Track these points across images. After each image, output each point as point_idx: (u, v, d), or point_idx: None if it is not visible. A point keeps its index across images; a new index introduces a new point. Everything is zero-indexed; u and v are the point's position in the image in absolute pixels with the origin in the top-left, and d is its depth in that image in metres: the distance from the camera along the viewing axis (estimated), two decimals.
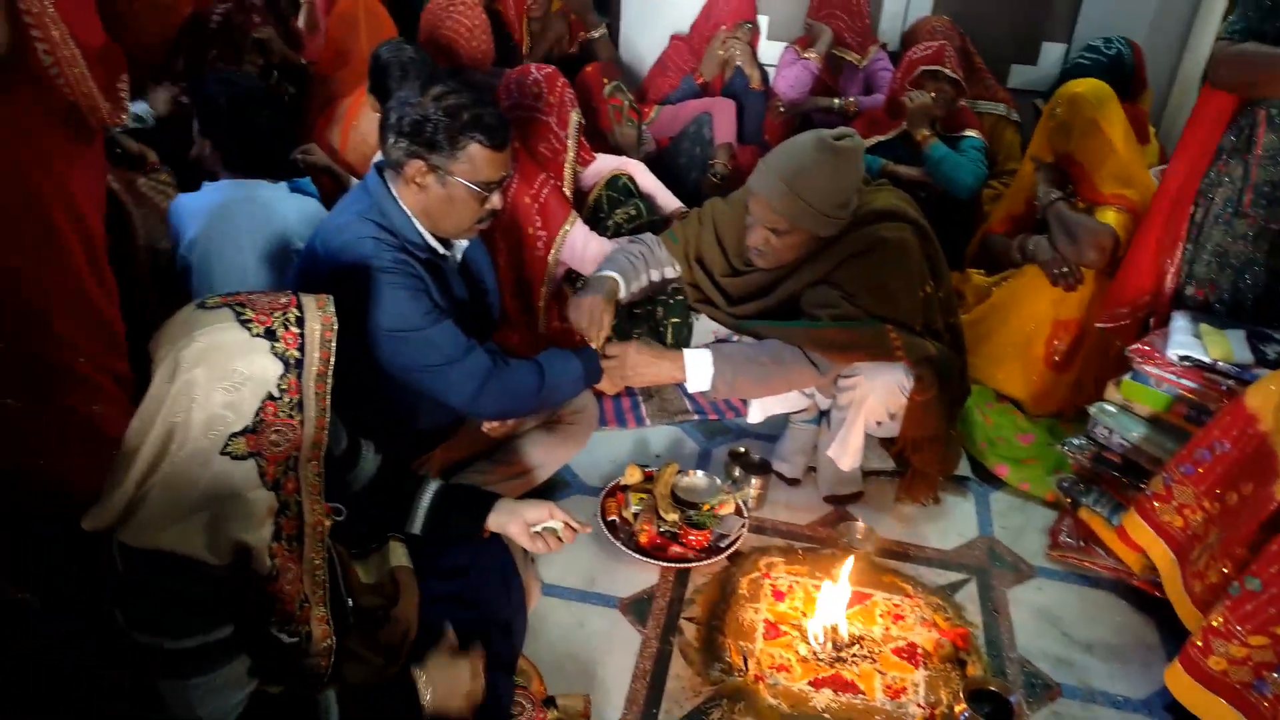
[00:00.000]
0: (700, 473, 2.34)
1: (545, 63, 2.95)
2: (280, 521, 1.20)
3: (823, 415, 2.48)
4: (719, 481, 2.31)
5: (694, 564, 2.11)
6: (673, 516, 2.16)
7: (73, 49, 1.52)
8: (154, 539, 1.12)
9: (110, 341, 1.72)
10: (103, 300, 1.71)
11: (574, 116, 2.61)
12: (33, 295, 1.57)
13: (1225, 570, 1.68)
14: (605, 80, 3.40)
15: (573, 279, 2.77)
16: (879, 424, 2.21)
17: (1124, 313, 2.32)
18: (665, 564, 2.10)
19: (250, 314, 1.15)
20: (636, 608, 2.04)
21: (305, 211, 2.28)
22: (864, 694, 1.83)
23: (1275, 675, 1.56)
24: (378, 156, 1.90)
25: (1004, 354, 2.68)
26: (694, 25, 3.96)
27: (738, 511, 2.24)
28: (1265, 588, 1.55)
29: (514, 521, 1.60)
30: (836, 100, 3.77)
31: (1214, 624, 1.61)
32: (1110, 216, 2.50)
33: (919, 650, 1.94)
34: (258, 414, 1.14)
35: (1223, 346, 1.92)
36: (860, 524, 2.28)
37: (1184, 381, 1.95)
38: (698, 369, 2.06)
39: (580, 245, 2.58)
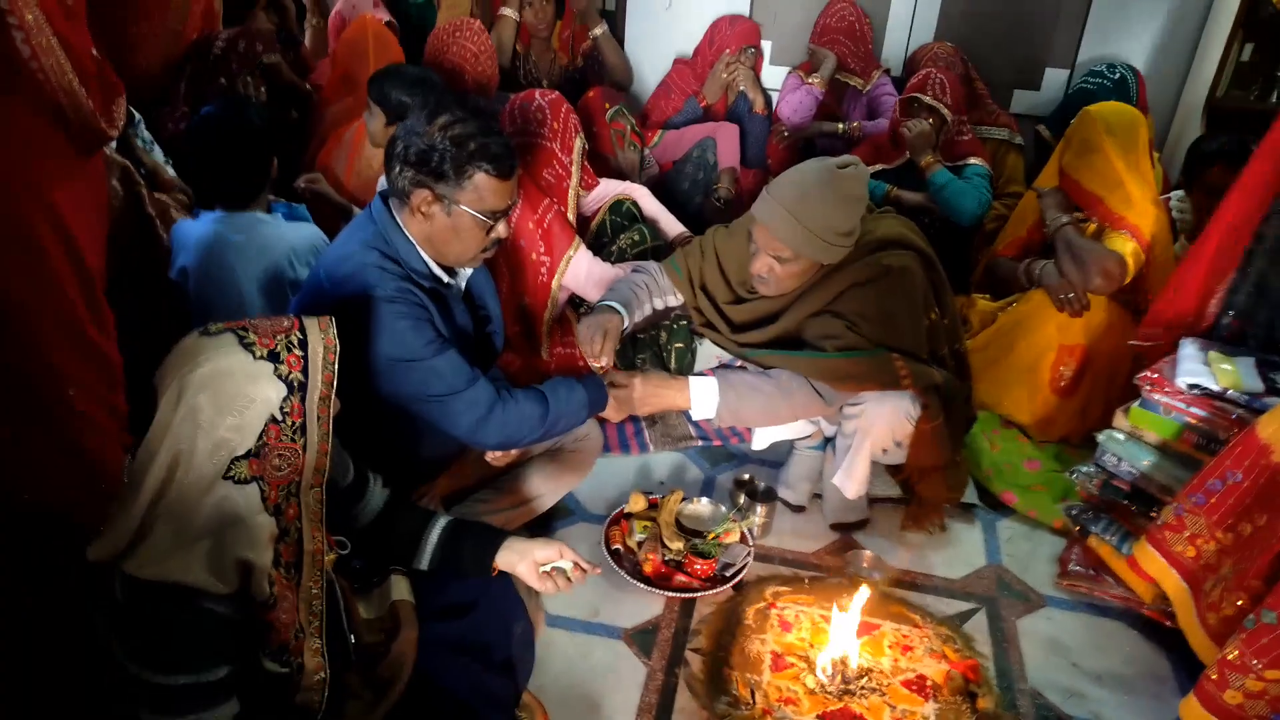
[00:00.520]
0: (705, 500, 2.32)
1: (546, 87, 2.95)
2: (280, 548, 1.20)
3: (828, 441, 2.46)
4: (724, 509, 2.29)
5: (699, 594, 2.09)
6: (678, 545, 2.13)
7: (48, 36, 1.45)
8: (159, 570, 1.11)
9: (104, 373, 1.67)
10: (95, 329, 1.65)
11: (578, 142, 2.61)
12: (17, 317, 1.51)
13: (1240, 603, 1.66)
14: (607, 105, 3.41)
15: (576, 304, 2.77)
16: (885, 451, 2.19)
17: (1159, 333, 2.26)
18: (670, 594, 2.08)
19: (253, 337, 1.16)
20: (641, 639, 2.01)
21: (302, 240, 2.28)
22: None
23: None
24: (382, 183, 1.90)
25: (1010, 379, 2.65)
26: (697, 49, 3.97)
27: (743, 540, 2.22)
28: None
29: (523, 561, 1.57)
30: (840, 125, 3.79)
31: (1229, 657, 1.59)
32: (1121, 243, 2.48)
33: (929, 683, 1.91)
34: (261, 437, 1.14)
35: (1232, 375, 1.91)
36: (867, 552, 2.26)
37: (1193, 410, 1.93)
38: (703, 396, 2.06)
39: (584, 271, 2.57)
